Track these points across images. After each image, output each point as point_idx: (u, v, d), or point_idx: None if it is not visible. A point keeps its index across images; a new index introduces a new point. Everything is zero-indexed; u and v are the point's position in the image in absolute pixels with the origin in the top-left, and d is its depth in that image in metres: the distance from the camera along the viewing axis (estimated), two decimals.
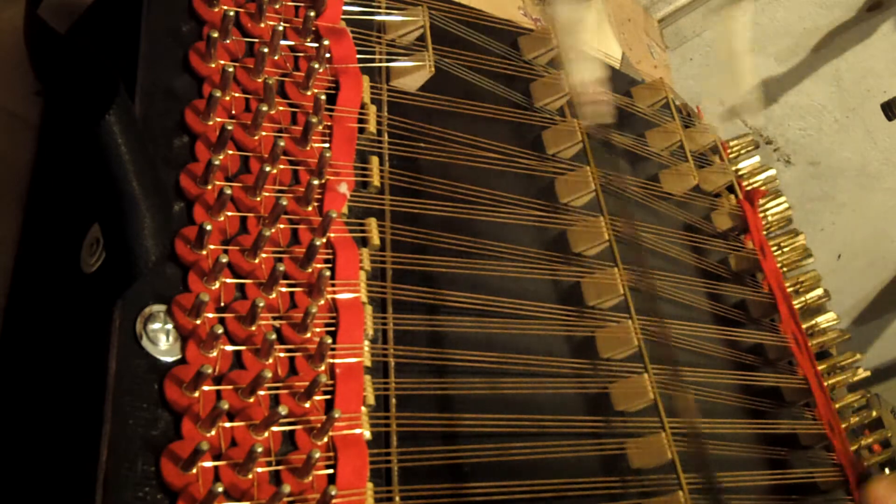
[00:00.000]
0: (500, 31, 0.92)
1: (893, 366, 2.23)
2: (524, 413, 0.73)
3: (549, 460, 0.72)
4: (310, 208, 0.65)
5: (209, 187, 0.60)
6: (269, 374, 0.55)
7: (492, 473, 0.67)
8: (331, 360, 0.61)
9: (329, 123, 0.69)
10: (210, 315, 0.56)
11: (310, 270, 0.62)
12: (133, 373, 0.52)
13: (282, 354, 0.59)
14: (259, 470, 0.53)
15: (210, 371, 0.53)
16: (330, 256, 0.64)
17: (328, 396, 0.60)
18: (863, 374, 1.18)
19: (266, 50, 0.65)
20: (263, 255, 0.60)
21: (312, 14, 0.70)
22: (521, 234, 0.83)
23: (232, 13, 0.65)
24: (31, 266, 0.63)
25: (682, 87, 1.78)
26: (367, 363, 0.63)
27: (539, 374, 0.76)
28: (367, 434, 0.60)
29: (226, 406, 0.52)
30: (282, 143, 0.63)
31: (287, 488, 0.52)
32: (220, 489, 0.49)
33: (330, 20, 0.72)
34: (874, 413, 1.21)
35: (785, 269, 1.16)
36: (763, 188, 1.19)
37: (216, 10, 0.66)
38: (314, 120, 0.66)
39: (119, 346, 0.51)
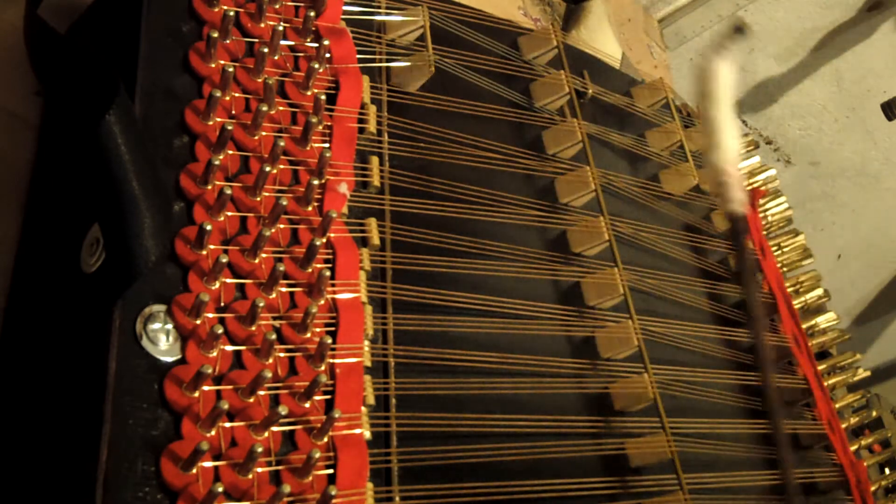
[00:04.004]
0: (500, 31, 0.92)
1: (893, 366, 2.23)
2: (524, 413, 0.73)
3: (549, 460, 0.72)
4: (310, 208, 0.65)
5: (209, 187, 0.60)
6: (269, 374, 0.55)
7: (492, 473, 0.67)
8: (331, 360, 0.61)
9: (329, 123, 0.69)
10: (210, 315, 0.56)
11: (310, 270, 0.62)
12: (133, 373, 0.52)
13: (282, 354, 0.59)
14: (259, 470, 0.53)
15: (210, 371, 0.53)
16: (330, 256, 0.64)
17: (328, 396, 0.60)
18: (863, 374, 1.19)
19: (266, 50, 0.65)
20: (263, 255, 0.60)
21: (312, 14, 0.70)
22: (521, 234, 0.83)
23: (232, 13, 0.65)
24: (31, 266, 0.63)
25: (682, 87, 1.79)
26: (367, 363, 0.63)
27: (539, 374, 0.76)
28: (367, 434, 0.60)
29: (226, 406, 0.52)
30: (282, 143, 0.63)
31: (287, 488, 0.52)
32: (220, 489, 0.49)
33: (330, 20, 0.72)
34: (874, 413, 1.21)
35: (785, 269, 1.16)
36: (763, 188, 1.19)
37: (216, 10, 0.66)
38: (314, 120, 0.66)
39: (119, 346, 0.51)
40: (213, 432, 0.53)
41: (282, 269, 0.59)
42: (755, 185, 1.19)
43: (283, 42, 0.69)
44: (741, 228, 0.68)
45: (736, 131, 0.67)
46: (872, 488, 1.08)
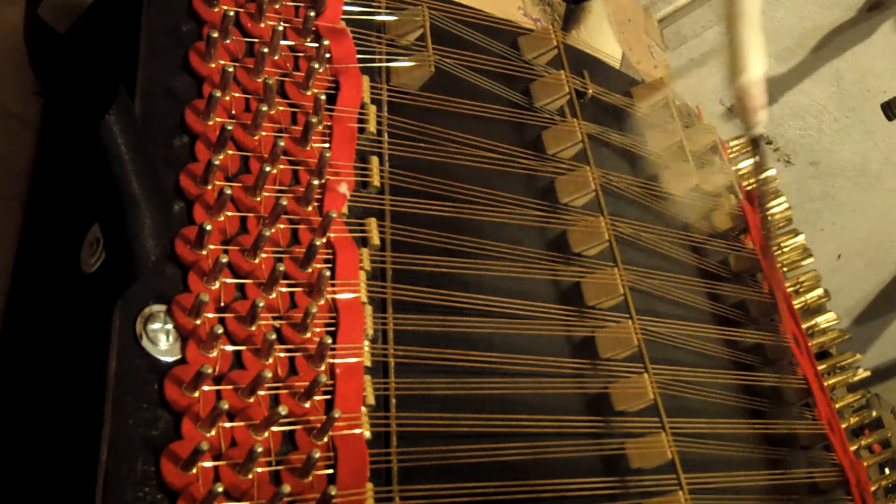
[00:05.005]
0: (500, 31, 0.92)
1: (893, 366, 2.23)
2: (524, 413, 0.73)
3: (549, 460, 0.72)
4: (310, 208, 0.65)
5: (209, 187, 0.60)
6: (269, 374, 0.55)
7: (492, 473, 0.67)
8: (331, 360, 0.61)
9: (329, 123, 0.69)
10: (210, 315, 0.56)
11: (310, 270, 0.62)
12: (133, 373, 0.52)
13: (282, 354, 0.59)
14: (259, 470, 0.53)
15: (210, 371, 0.53)
16: (330, 256, 0.64)
17: (328, 396, 0.60)
18: (863, 374, 1.18)
19: (266, 50, 0.65)
20: (263, 255, 0.60)
21: (312, 14, 0.70)
22: (522, 234, 0.83)
23: (232, 13, 0.65)
24: (31, 266, 0.63)
25: (682, 87, 1.78)
26: (367, 363, 0.63)
27: (539, 374, 0.76)
28: (367, 434, 0.60)
29: (226, 406, 0.52)
30: (282, 143, 0.63)
31: (287, 488, 0.52)
32: (220, 489, 0.49)
33: (330, 20, 0.72)
34: (874, 413, 1.21)
35: (785, 269, 1.16)
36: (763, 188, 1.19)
37: (216, 10, 0.66)
38: (314, 120, 0.66)
39: (119, 346, 0.51)
40: (213, 432, 0.53)
41: (282, 269, 0.59)
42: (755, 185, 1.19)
43: (283, 42, 0.69)
44: (763, 192, 0.69)
45: (762, 50, 0.68)
46: (872, 488, 1.08)
